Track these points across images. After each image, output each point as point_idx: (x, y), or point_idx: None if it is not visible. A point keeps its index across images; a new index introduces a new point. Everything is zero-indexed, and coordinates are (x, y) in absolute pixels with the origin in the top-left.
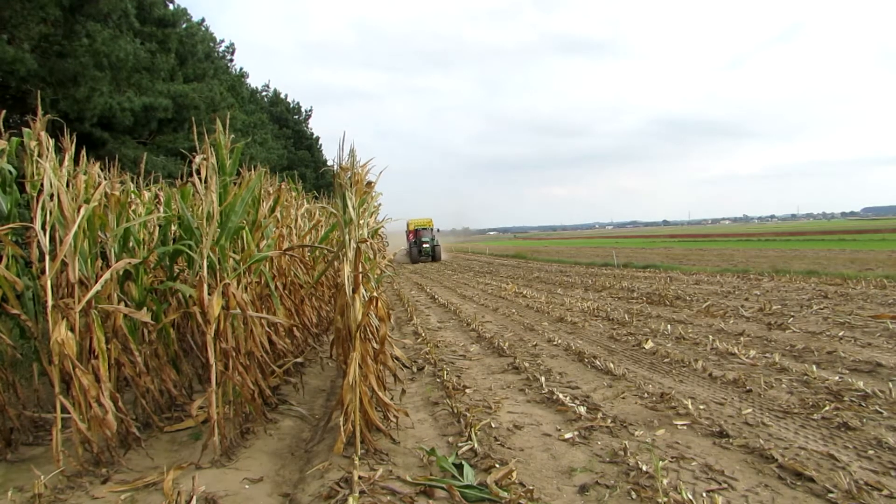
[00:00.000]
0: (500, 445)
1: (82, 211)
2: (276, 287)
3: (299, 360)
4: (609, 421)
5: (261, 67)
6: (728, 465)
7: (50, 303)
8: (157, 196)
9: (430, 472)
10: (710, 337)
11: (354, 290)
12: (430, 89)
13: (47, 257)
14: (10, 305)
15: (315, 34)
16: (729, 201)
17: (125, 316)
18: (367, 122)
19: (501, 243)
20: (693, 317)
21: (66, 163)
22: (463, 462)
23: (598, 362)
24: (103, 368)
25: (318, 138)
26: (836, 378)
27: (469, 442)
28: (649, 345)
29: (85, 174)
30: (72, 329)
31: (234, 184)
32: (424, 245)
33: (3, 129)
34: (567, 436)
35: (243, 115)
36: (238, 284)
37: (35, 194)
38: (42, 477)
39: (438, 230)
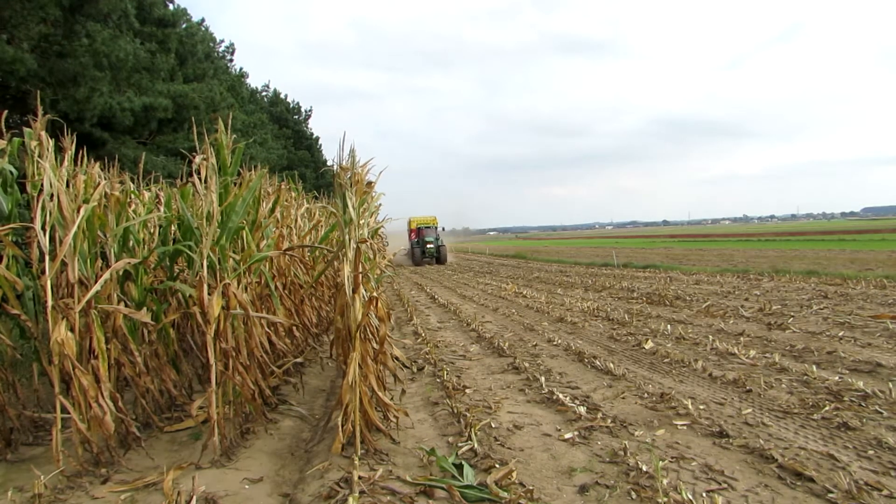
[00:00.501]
0: (500, 445)
1: (82, 211)
2: (276, 287)
3: (299, 360)
4: (609, 421)
5: (261, 67)
6: (728, 465)
7: (50, 303)
8: (157, 196)
9: (430, 472)
10: (710, 337)
11: (354, 290)
12: (429, 89)
13: (47, 257)
14: (10, 305)
15: (315, 34)
16: (729, 201)
17: (125, 316)
18: (367, 123)
19: (501, 243)
20: (693, 317)
21: (65, 163)
22: (463, 462)
23: (598, 362)
24: (103, 368)
25: (318, 138)
26: (836, 378)
27: (469, 442)
28: (649, 345)
29: (85, 174)
30: (72, 329)
31: (235, 184)
32: (428, 245)
33: (4, 130)
34: (567, 436)
35: (243, 115)
36: (238, 284)
37: (35, 194)
38: (42, 477)
39: (444, 229)
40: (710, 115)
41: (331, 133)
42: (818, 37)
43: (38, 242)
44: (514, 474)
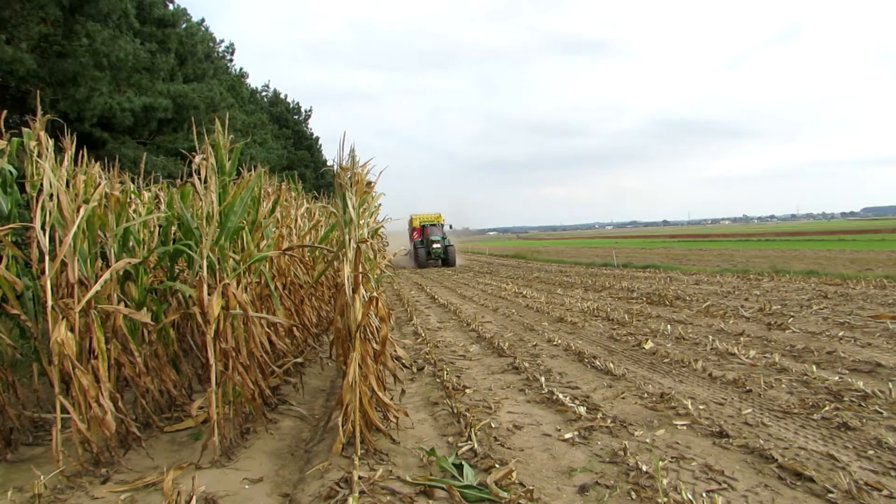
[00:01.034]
0: (500, 445)
1: (82, 211)
2: (276, 287)
3: (299, 360)
4: (609, 421)
5: (260, 68)
6: (728, 465)
7: (50, 303)
8: (156, 196)
9: (430, 472)
10: (710, 337)
11: (354, 291)
12: (428, 89)
13: (47, 257)
14: (9, 305)
15: (314, 34)
16: (729, 201)
17: (125, 316)
18: (367, 123)
19: (501, 243)
20: (693, 317)
21: (65, 163)
22: (463, 462)
23: (597, 362)
24: (103, 368)
25: (317, 138)
26: (836, 378)
27: (469, 442)
28: (649, 345)
29: (84, 174)
30: (71, 329)
31: (234, 184)
32: (434, 245)
33: (3, 130)
34: (567, 436)
35: (243, 115)
36: (238, 284)
37: (35, 194)
38: (42, 477)
39: (451, 227)
40: (710, 115)
41: (331, 133)
42: (817, 37)
43: (38, 242)
44: (514, 474)
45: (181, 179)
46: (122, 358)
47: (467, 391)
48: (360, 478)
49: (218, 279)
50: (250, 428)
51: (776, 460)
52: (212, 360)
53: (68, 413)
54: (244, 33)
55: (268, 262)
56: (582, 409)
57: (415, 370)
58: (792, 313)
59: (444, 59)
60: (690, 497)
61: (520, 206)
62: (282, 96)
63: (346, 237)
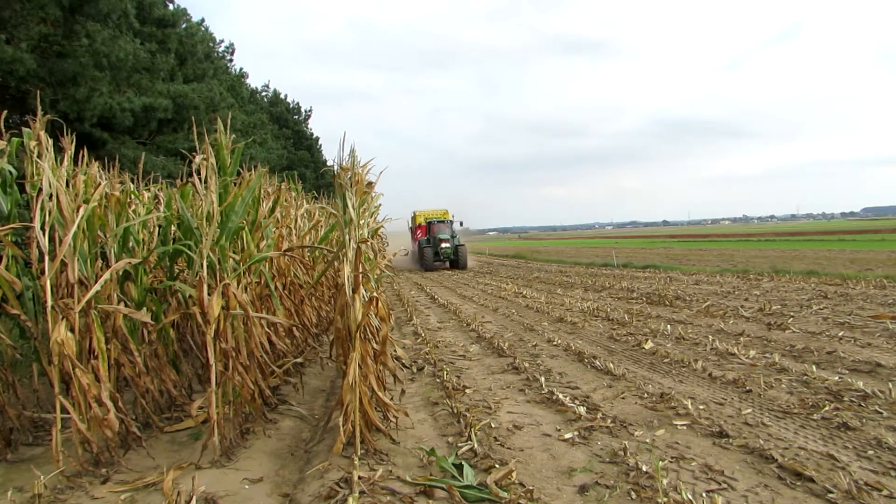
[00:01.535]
0: (499, 445)
1: (82, 211)
2: (276, 287)
3: (299, 360)
4: (609, 421)
5: (260, 68)
6: (728, 465)
7: (49, 303)
8: (156, 196)
9: (429, 473)
10: (710, 337)
11: (354, 291)
12: (428, 89)
13: (47, 257)
14: (9, 305)
15: (314, 34)
16: (729, 201)
17: (125, 316)
18: (367, 123)
19: (501, 243)
20: (693, 317)
21: (65, 163)
22: (463, 462)
23: (597, 362)
24: (103, 368)
25: (317, 138)
26: (836, 378)
27: (469, 442)
28: (649, 345)
29: (84, 174)
30: (71, 329)
31: (234, 184)
32: (443, 245)
33: (3, 130)
34: (567, 436)
35: (243, 115)
36: (238, 285)
37: (35, 194)
38: (42, 477)
39: (462, 224)
40: (710, 115)
41: (331, 133)
42: (817, 37)
43: (38, 242)
44: (514, 474)
45: (181, 179)
46: (122, 358)
47: (467, 391)
48: (360, 478)
49: (218, 279)
50: (250, 428)
51: (776, 460)
52: (212, 360)
53: (68, 413)
54: (244, 33)
55: (268, 262)
56: (582, 409)
57: (415, 370)
58: (792, 313)
59: (444, 59)
60: (690, 497)
61: (520, 206)
62: (282, 96)
63: (347, 237)
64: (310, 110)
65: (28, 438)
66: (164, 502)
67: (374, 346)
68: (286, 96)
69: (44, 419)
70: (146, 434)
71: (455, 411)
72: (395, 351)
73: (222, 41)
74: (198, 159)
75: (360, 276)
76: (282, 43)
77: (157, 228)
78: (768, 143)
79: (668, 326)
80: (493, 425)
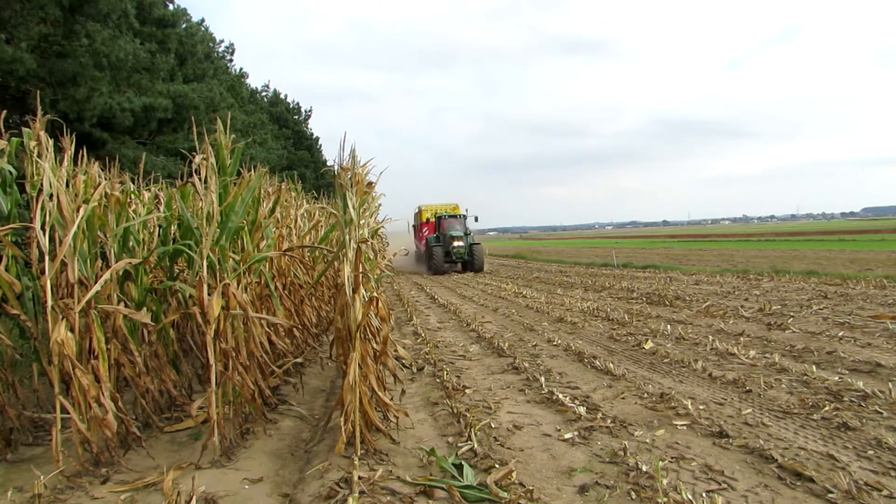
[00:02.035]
0: (499, 445)
1: (82, 211)
2: (276, 287)
3: (299, 360)
4: (609, 421)
5: (260, 68)
6: (728, 465)
7: (49, 303)
8: (156, 196)
9: (429, 473)
10: (710, 337)
11: (354, 291)
12: (428, 90)
13: (47, 257)
14: (9, 306)
15: (314, 35)
16: (728, 201)
17: (125, 316)
18: (367, 123)
19: (501, 243)
20: (693, 317)
21: (65, 163)
22: (463, 462)
23: (597, 362)
24: (103, 368)
25: (317, 138)
26: (836, 378)
27: (469, 442)
28: (649, 345)
29: (84, 174)
30: (71, 329)
31: (234, 184)
32: (456, 244)
33: (3, 130)
34: (567, 436)
35: (243, 115)
36: (238, 285)
37: (35, 194)
38: (42, 477)
39: (476, 219)
40: (710, 115)
41: (331, 133)
42: (817, 37)
43: (38, 242)
44: (514, 474)
45: (181, 179)
46: (122, 358)
47: (467, 391)
48: (360, 478)
49: (218, 279)
50: (250, 428)
51: (776, 460)
52: (212, 361)
53: (68, 413)
54: (244, 33)
55: (268, 262)
56: (582, 409)
57: (415, 370)
58: (792, 313)
59: (444, 59)
60: (690, 497)
61: (520, 206)
62: (282, 96)
63: (347, 237)
64: (310, 110)
65: (28, 438)
66: (164, 502)
67: (375, 346)
68: (286, 96)
69: (44, 419)
70: (146, 434)
71: (455, 411)
72: (396, 351)
73: (222, 41)
74: (198, 159)
75: (361, 276)
76: (282, 43)
77: (157, 228)
78: (768, 143)
79: (668, 326)
80: (493, 425)
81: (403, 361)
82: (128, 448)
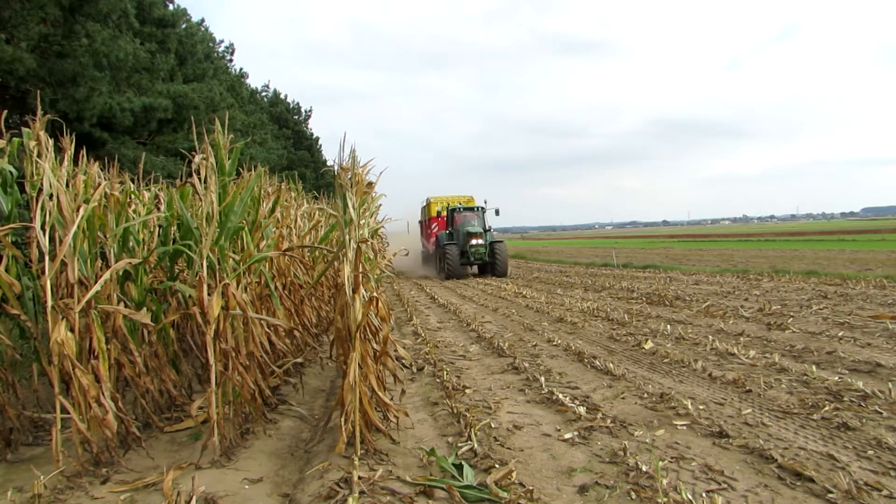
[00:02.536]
0: (499, 446)
1: (82, 211)
2: (276, 287)
3: (299, 360)
4: (609, 421)
5: (260, 68)
6: (728, 465)
7: (49, 303)
8: (156, 196)
9: (429, 473)
10: (710, 337)
11: (354, 291)
12: (428, 90)
13: (47, 257)
14: (9, 306)
15: (313, 35)
16: (728, 201)
17: (125, 316)
18: (367, 123)
19: None
20: (693, 317)
21: (65, 163)
22: (463, 462)
23: (597, 362)
24: (103, 368)
25: (317, 138)
26: (836, 378)
27: (469, 442)
28: (649, 345)
29: (84, 174)
30: (71, 329)
31: (234, 184)
32: (474, 242)
33: (3, 129)
34: (567, 436)
35: (243, 115)
36: (238, 285)
37: (35, 194)
38: (42, 477)
39: (498, 212)
40: (710, 115)
41: (331, 133)
42: (817, 37)
43: (38, 242)
44: (514, 474)
45: (181, 179)
46: (122, 358)
47: (467, 391)
48: (359, 478)
49: (218, 279)
50: (250, 428)
51: (776, 460)
52: (212, 361)
53: (68, 413)
54: (244, 33)
55: (268, 262)
56: (582, 409)
57: (414, 370)
58: (792, 313)
59: (443, 60)
60: (690, 497)
61: (519, 206)
62: (282, 96)
63: (347, 237)
64: (310, 110)
65: (28, 438)
66: (164, 502)
67: (375, 346)
68: (286, 96)
69: (44, 419)
70: (146, 434)
71: (455, 411)
72: (396, 351)
73: (222, 41)
74: (197, 159)
75: (360, 276)
76: (282, 43)
77: (157, 228)
78: (768, 142)
79: (668, 326)
80: (492, 425)
81: (404, 361)
82: (128, 448)
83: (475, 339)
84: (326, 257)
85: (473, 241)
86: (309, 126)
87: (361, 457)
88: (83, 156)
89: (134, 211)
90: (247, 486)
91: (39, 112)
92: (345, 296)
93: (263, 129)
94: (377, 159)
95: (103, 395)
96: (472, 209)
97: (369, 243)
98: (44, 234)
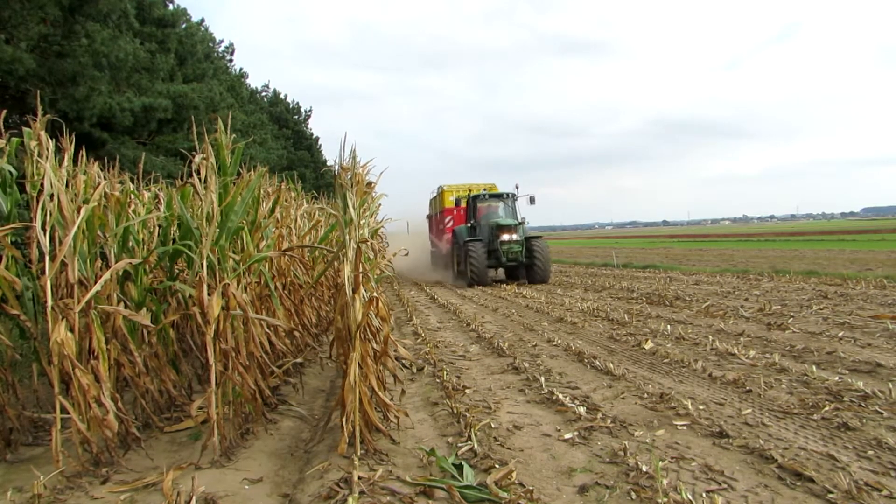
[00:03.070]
0: (499, 446)
1: (82, 211)
2: (276, 287)
3: (299, 360)
4: (609, 421)
5: (260, 68)
6: (728, 465)
7: (49, 303)
8: (156, 196)
9: (429, 473)
10: (710, 337)
11: (354, 291)
12: (427, 90)
13: (47, 257)
14: (9, 306)
15: (313, 35)
16: (728, 202)
17: (125, 316)
18: (367, 123)
19: None
20: (693, 317)
21: (65, 163)
22: (463, 462)
23: (597, 362)
24: (103, 369)
25: (317, 138)
26: (836, 378)
27: (469, 442)
28: (649, 345)
29: (84, 174)
30: (71, 329)
31: (234, 184)
32: (506, 238)
33: (3, 129)
34: (567, 436)
35: (243, 115)
36: (238, 285)
37: (35, 194)
38: (42, 477)
39: (533, 200)
40: (710, 115)
41: (331, 133)
42: (816, 37)
43: (38, 243)
44: (514, 474)
45: (181, 179)
46: (122, 358)
47: (467, 391)
48: (359, 478)
49: (218, 279)
50: (250, 428)
51: (776, 460)
52: (212, 361)
53: (68, 413)
54: (244, 33)
55: (268, 262)
56: (582, 410)
57: (414, 370)
58: (792, 313)
59: (443, 60)
60: (690, 497)
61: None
62: (282, 96)
63: (347, 237)
64: (310, 110)
65: (28, 438)
66: (164, 502)
67: (375, 346)
68: (286, 96)
69: (43, 419)
70: (146, 434)
71: (455, 411)
72: (396, 351)
73: (222, 41)
74: (197, 159)
75: (360, 276)
76: (281, 43)
77: (157, 228)
78: (768, 142)
79: (668, 326)
80: (492, 425)
81: (404, 361)
82: (127, 448)
83: (475, 339)
84: (326, 257)
85: (505, 237)
86: (309, 126)
87: (361, 457)
88: (83, 156)
89: (134, 211)
90: (247, 486)
91: (39, 112)
92: (345, 296)
93: (263, 129)
94: (377, 159)
95: (103, 395)
96: (499, 196)
97: (369, 243)
98: (44, 234)
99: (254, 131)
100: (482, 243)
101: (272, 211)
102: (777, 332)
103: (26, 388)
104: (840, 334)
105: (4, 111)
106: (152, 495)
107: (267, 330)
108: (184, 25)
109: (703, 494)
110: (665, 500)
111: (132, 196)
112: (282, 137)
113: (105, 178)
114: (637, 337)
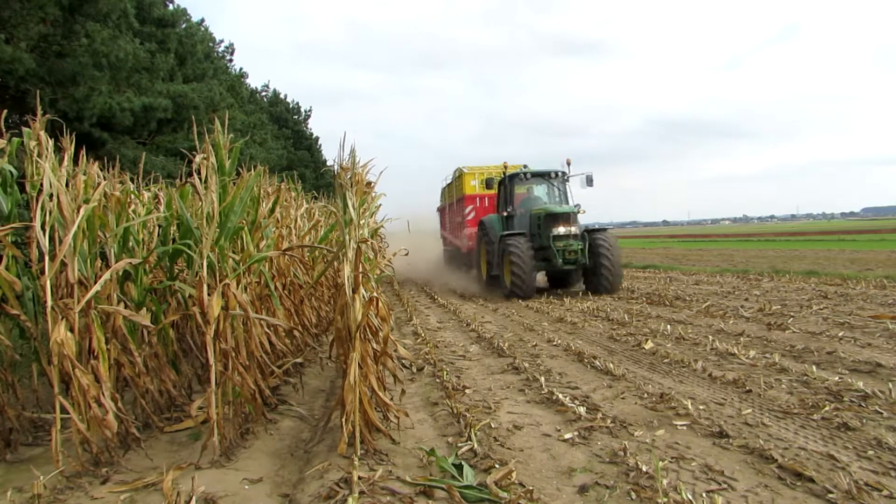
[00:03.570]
0: (499, 446)
1: (82, 211)
2: (276, 287)
3: (299, 360)
4: (609, 421)
5: (260, 68)
6: (728, 465)
7: (49, 303)
8: (156, 196)
9: (429, 473)
10: (710, 337)
11: (354, 290)
12: (427, 91)
13: (47, 257)
14: (9, 306)
15: (313, 35)
16: (728, 201)
17: (125, 317)
18: (366, 123)
19: None
20: (693, 317)
21: (65, 163)
22: (462, 462)
23: (597, 362)
24: (103, 369)
25: (317, 138)
26: (836, 378)
27: (469, 442)
28: (649, 345)
29: (84, 174)
30: (71, 329)
31: (234, 184)
32: (563, 232)
33: (3, 129)
34: (567, 436)
35: (243, 115)
36: (238, 285)
37: (35, 194)
38: (41, 477)
39: (591, 180)
40: (709, 115)
41: (330, 133)
42: (816, 37)
43: (38, 242)
44: (514, 474)
45: (181, 179)
46: (122, 358)
47: (467, 391)
48: (359, 478)
49: (218, 279)
50: (250, 428)
51: (776, 460)
52: (211, 361)
53: (68, 413)
54: (244, 33)
55: (267, 262)
56: (582, 410)
57: (414, 370)
58: (792, 313)
59: (442, 60)
60: (690, 497)
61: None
62: (281, 96)
63: (347, 237)
64: (309, 110)
65: (28, 439)
66: (164, 502)
67: (375, 346)
68: (286, 96)
69: (43, 419)
70: (146, 434)
71: (455, 411)
72: (396, 351)
73: (222, 41)
74: (198, 159)
75: (360, 275)
76: (281, 43)
77: (156, 228)
78: (768, 142)
79: (668, 326)
80: (492, 425)
81: (405, 361)
82: (127, 448)
83: (475, 339)
84: (326, 257)
85: (561, 230)
86: (308, 126)
87: (361, 457)
88: (83, 156)
89: (134, 211)
90: (247, 487)
91: (39, 112)
92: (345, 296)
93: (263, 129)
94: (377, 159)
95: (103, 395)
96: (545, 175)
97: (369, 243)
98: (44, 234)
99: (254, 131)
100: (528, 239)
101: (272, 211)
102: (777, 332)
103: (26, 388)
104: (840, 334)
105: (4, 111)
106: (152, 495)
107: (267, 330)
108: (184, 25)
109: (703, 494)
110: (665, 500)
111: (132, 196)
112: (282, 137)
113: (105, 178)
114: (637, 337)
